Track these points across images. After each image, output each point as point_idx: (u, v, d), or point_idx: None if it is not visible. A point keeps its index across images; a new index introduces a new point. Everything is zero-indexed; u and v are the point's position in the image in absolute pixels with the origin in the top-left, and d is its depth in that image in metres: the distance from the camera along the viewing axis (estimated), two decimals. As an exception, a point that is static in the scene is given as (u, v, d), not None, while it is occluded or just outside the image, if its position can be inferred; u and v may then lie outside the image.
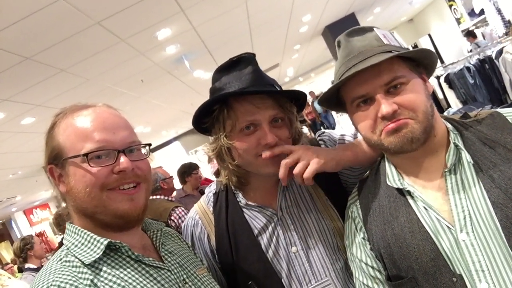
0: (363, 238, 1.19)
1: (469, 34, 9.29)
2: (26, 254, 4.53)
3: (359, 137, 1.29)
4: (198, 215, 1.43)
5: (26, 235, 4.79)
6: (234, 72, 1.28)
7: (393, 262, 1.09)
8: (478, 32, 9.24)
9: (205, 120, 1.31)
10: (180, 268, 1.11)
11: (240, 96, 1.24)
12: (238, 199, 1.37)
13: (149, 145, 1.15)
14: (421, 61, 1.15)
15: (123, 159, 1.03)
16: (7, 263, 10.38)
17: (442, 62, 8.65)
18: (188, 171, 5.36)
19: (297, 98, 1.33)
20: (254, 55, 1.33)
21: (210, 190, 1.47)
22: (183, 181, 5.40)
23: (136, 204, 1.05)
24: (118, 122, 1.09)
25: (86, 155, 1.00)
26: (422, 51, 1.12)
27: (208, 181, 6.21)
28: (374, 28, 1.17)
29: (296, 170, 1.20)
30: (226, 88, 1.26)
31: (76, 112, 1.07)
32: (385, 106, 1.04)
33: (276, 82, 1.32)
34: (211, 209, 1.42)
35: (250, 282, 1.24)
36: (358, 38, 1.15)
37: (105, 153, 1.02)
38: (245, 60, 1.29)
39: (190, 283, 1.10)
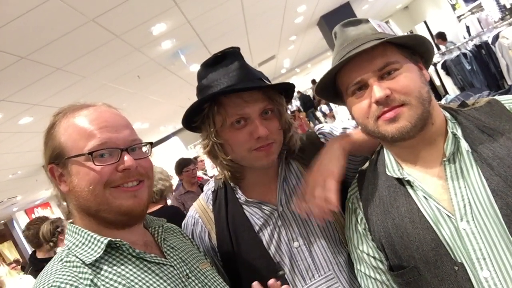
0: (364, 229, 1.19)
1: (439, 37, 9.05)
2: (57, 238, 4.07)
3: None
4: (198, 214, 1.43)
5: (54, 218, 4.34)
6: (220, 68, 1.27)
7: (395, 252, 1.09)
8: (473, 17, 9.16)
9: (195, 119, 1.31)
10: (182, 263, 1.11)
11: (229, 93, 1.24)
12: (237, 196, 1.36)
13: (151, 143, 1.15)
14: (416, 49, 1.14)
15: (127, 157, 1.03)
16: (11, 263, 10.41)
17: (438, 49, 8.62)
18: (178, 169, 5.28)
19: (285, 89, 1.33)
20: (239, 49, 1.32)
21: (209, 187, 1.47)
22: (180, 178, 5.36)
23: (140, 200, 1.06)
24: (120, 121, 1.09)
25: (90, 153, 1.00)
26: (415, 37, 1.12)
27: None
28: (370, 19, 1.18)
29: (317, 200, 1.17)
30: (214, 85, 1.25)
31: (77, 111, 1.07)
32: (378, 90, 1.04)
33: (264, 75, 1.32)
34: (211, 207, 1.41)
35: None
36: (352, 28, 1.17)
37: (109, 151, 1.02)
38: (231, 55, 1.29)
39: (193, 278, 1.10)
